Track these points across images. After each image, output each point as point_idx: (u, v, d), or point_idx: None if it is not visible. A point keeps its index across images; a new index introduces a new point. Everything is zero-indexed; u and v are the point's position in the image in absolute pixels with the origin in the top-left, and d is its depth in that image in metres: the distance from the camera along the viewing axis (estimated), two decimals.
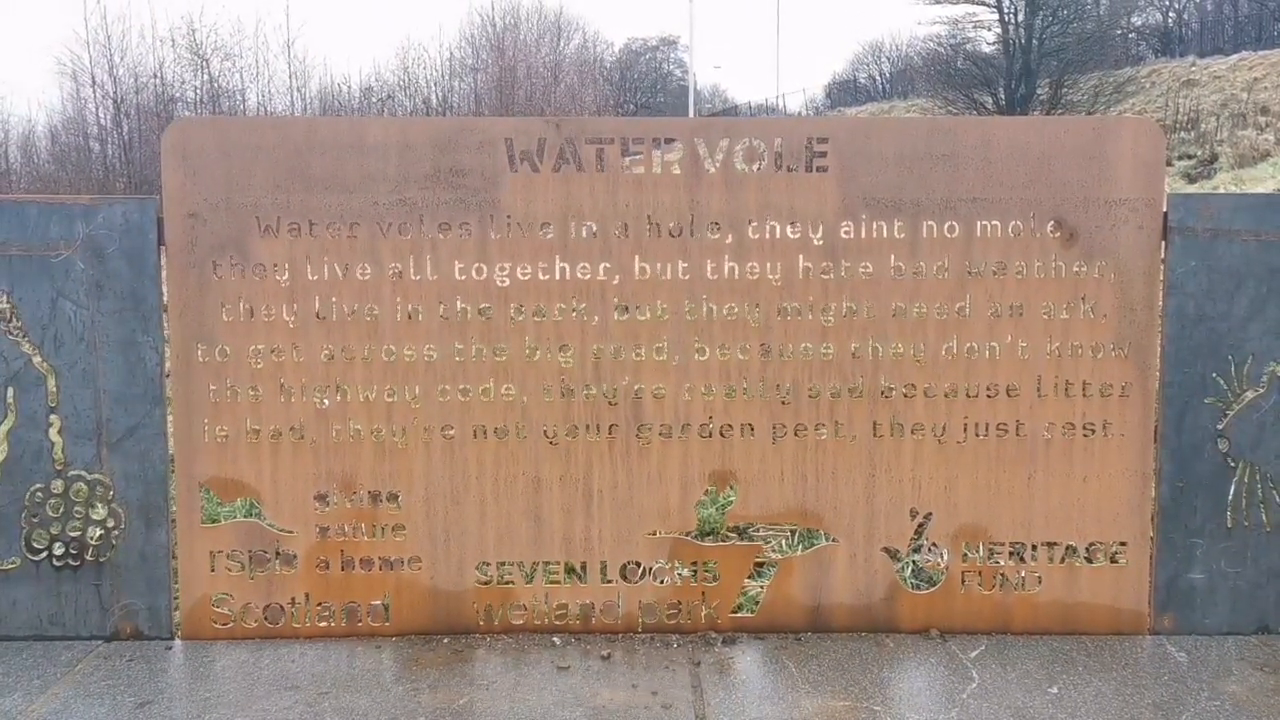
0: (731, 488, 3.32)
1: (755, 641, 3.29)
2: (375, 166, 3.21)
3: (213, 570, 3.29)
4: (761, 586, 3.41)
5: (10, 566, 3.27)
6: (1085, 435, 3.29)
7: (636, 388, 3.27)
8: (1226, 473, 3.29)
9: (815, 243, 3.24)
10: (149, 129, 29.23)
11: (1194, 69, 32.81)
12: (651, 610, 3.34)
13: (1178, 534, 3.30)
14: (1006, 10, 35.38)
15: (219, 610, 3.30)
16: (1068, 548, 3.33)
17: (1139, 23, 43.02)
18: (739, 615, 3.35)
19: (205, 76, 33.15)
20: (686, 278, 3.24)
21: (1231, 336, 3.25)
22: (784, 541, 3.83)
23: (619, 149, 3.24)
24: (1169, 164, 20.89)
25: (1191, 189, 18.62)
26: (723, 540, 3.68)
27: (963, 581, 3.33)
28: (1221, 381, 3.26)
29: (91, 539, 3.26)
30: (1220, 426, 3.27)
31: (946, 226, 3.24)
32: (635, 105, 56.49)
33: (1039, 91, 33.59)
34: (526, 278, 3.24)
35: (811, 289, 3.25)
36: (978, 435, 3.29)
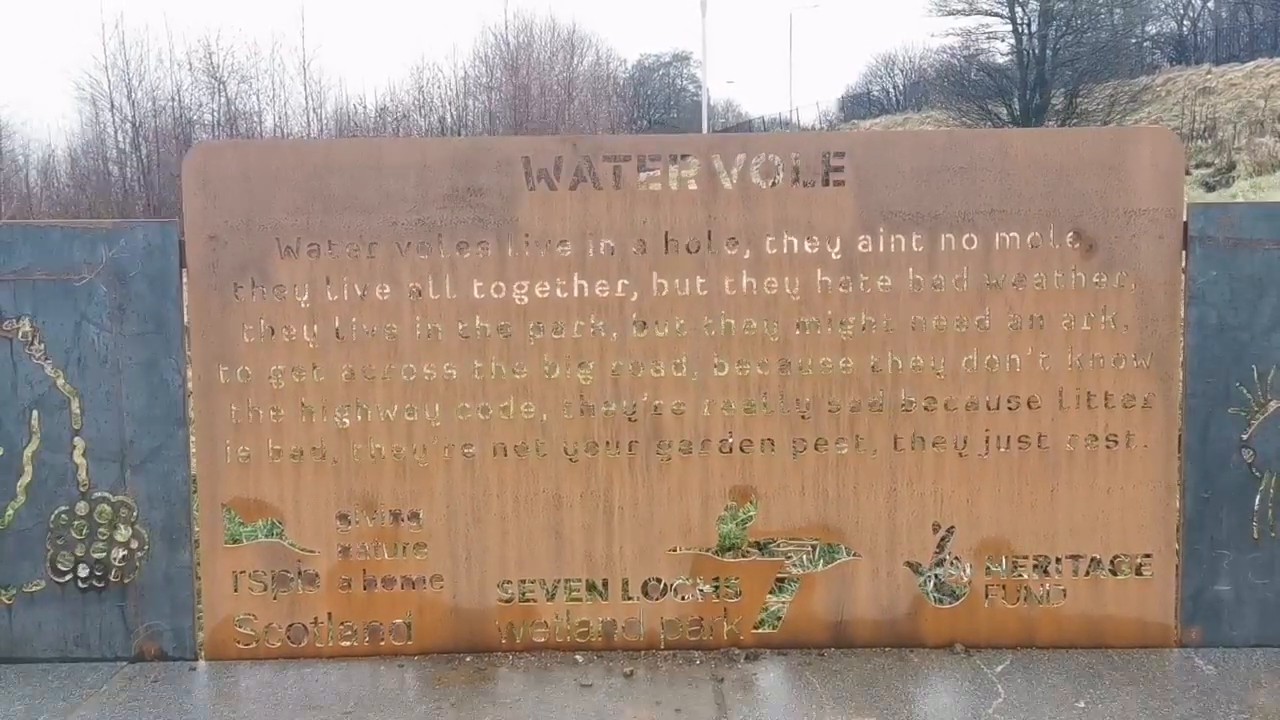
0: (752, 503, 3.32)
1: (778, 657, 3.27)
2: (394, 187, 3.23)
3: (236, 591, 3.30)
4: (783, 602, 3.40)
5: (35, 588, 3.29)
6: (1108, 447, 3.26)
7: (656, 404, 3.27)
8: (1252, 483, 3.26)
9: (833, 257, 3.24)
10: (167, 152, 29.58)
11: (1210, 77, 32.60)
12: (673, 627, 3.33)
13: (1203, 546, 3.27)
14: (1020, 21, 35.33)
15: (242, 631, 3.31)
16: (1092, 560, 3.30)
17: (1153, 31, 42.85)
18: (761, 631, 3.34)
19: (222, 99, 33.56)
20: (704, 293, 3.24)
21: (1255, 346, 3.23)
22: (805, 557, 3.81)
23: (635, 166, 3.25)
24: (1187, 173, 20.76)
25: (1210, 197, 18.49)
26: (744, 556, 3.66)
27: (986, 595, 3.31)
28: (1245, 391, 3.23)
29: (115, 560, 3.28)
30: (1244, 436, 3.25)
31: (965, 239, 3.23)
32: (649, 121, 56.68)
33: (1054, 101, 33.49)
34: (545, 295, 3.25)
35: (830, 303, 3.24)
36: (999, 448, 3.27)
